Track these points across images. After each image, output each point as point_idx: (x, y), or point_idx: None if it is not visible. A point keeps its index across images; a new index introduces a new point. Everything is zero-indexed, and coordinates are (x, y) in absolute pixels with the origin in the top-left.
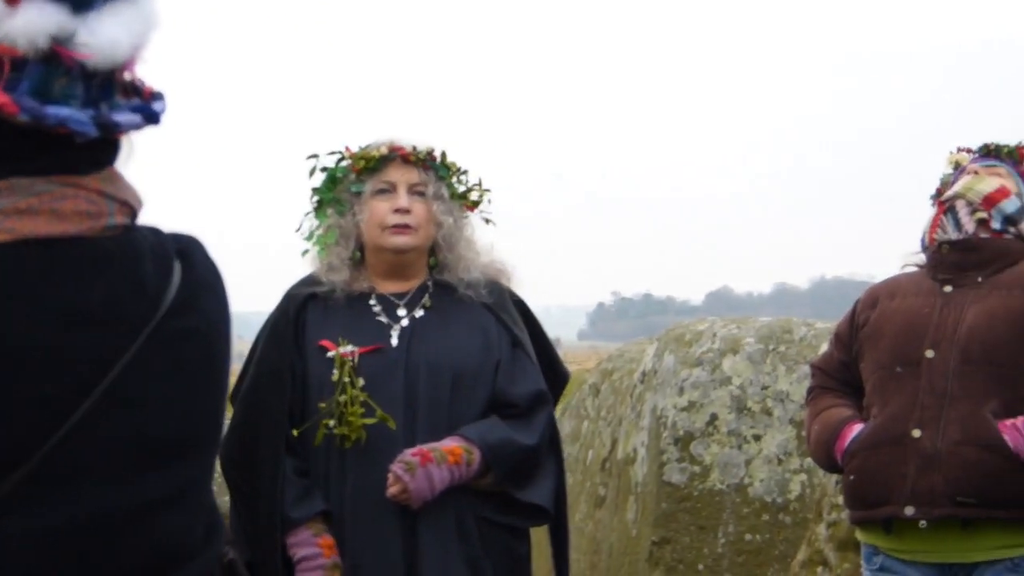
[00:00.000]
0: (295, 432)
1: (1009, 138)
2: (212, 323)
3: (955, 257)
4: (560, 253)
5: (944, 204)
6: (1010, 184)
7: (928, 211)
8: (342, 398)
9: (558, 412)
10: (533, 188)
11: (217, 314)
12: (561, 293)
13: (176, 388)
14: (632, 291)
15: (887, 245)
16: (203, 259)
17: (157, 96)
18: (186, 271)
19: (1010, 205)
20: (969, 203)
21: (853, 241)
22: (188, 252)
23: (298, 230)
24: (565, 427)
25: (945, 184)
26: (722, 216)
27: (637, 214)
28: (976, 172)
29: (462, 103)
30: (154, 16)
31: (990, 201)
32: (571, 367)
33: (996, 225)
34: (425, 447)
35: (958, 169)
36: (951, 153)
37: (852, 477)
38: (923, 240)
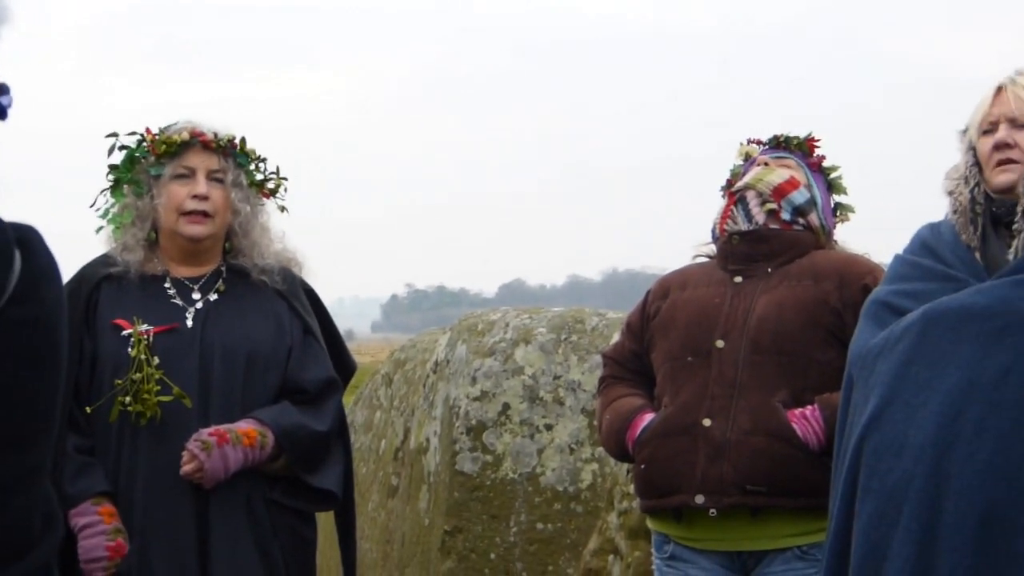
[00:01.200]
0: (88, 409)
1: (799, 128)
2: (52, 312)
3: (745, 248)
4: (353, 244)
5: (734, 195)
6: (799, 176)
7: (719, 202)
8: (137, 376)
9: (351, 402)
10: (324, 178)
11: (56, 303)
12: (354, 284)
13: (15, 377)
14: (426, 283)
15: (679, 238)
16: (42, 248)
17: (3, 89)
18: (26, 260)
19: (799, 196)
20: (759, 194)
21: (645, 234)
22: (27, 241)
23: (92, 206)
24: (358, 417)
25: (735, 175)
26: (516, 209)
27: (430, 206)
28: (766, 163)
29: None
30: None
31: (780, 192)
32: (364, 358)
33: (786, 216)
34: (222, 427)
35: (748, 160)
36: (741, 144)
37: (643, 466)
38: (714, 231)
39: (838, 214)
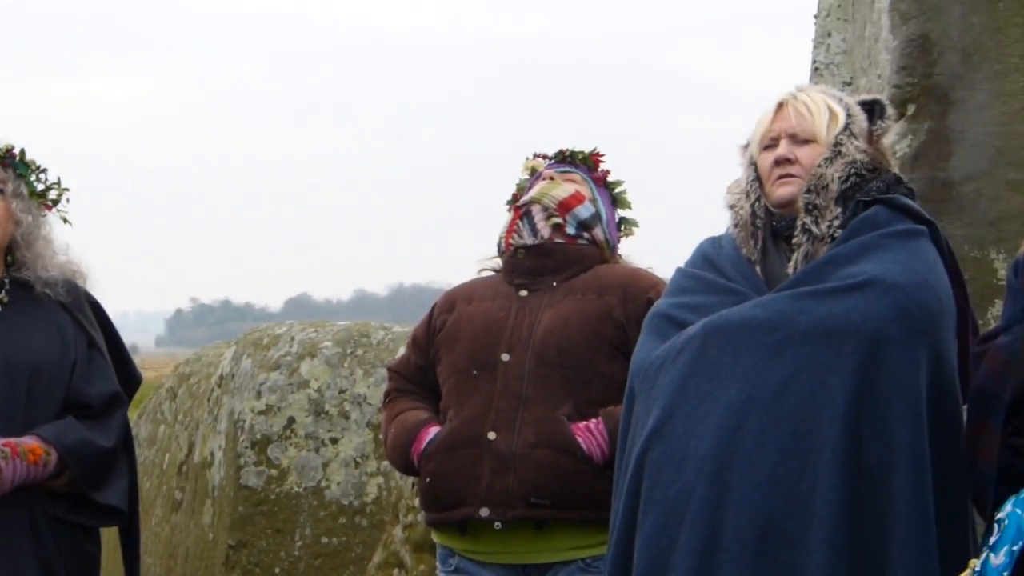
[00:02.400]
0: None
1: (584, 144)
2: None
3: (530, 262)
4: (138, 256)
5: (520, 209)
6: (584, 190)
7: (504, 216)
8: None
9: (134, 416)
10: (111, 189)
11: None
12: (139, 298)
13: None
14: (211, 297)
15: (465, 253)
16: None
17: None
18: None
19: (584, 211)
20: (544, 208)
21: (431, 249)
22: None
23: None
24: (142, 431)
25: (521, 189)
26: (301, 223)
27: (214, 219)
28: (552, 178)
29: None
30: None
31: (565, 207)
32: (149, 373)
33: (571, 230)
34: (12, 440)
35: (534, 175)
36: (527, 159)
37: (428, 479)
38: (499, 244)
39: (622, 228)
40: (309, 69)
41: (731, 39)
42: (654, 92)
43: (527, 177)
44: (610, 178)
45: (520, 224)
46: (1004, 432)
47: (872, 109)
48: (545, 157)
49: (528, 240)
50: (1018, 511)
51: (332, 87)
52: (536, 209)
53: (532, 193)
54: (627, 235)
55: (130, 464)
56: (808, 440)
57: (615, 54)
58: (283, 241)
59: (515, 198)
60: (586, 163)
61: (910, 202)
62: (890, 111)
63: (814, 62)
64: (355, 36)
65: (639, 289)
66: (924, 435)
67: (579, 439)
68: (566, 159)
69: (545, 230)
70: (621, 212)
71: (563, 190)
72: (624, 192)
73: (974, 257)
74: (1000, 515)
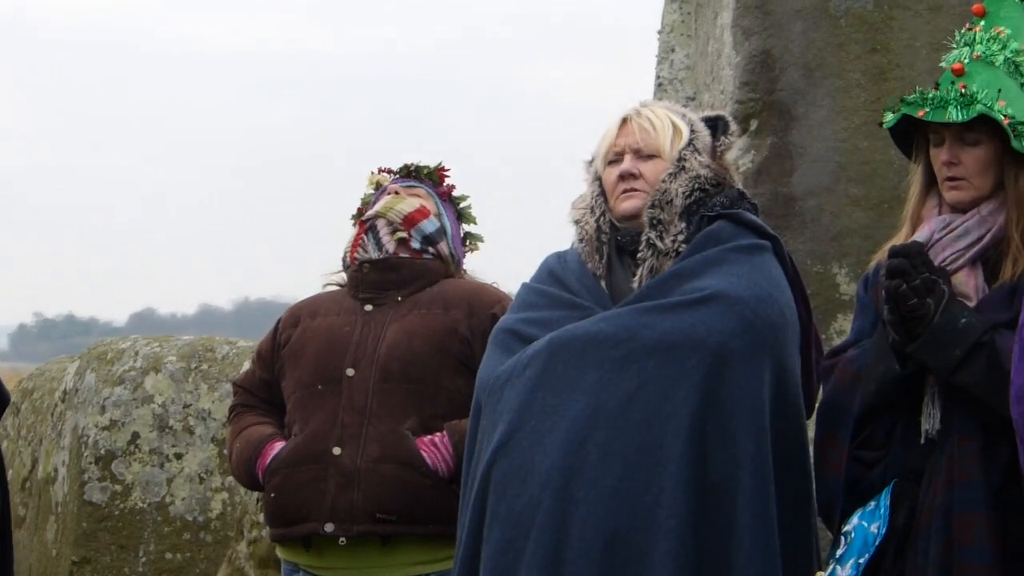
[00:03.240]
0: None
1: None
2: None
3: (376, 276)
4: None
5: (365, 224)
6: (430, 205)
7: (350, 230)
8: None
9: None
10: None
11: None
12: None
13: None
14: (55, 312)
15: (309, 267)
16: None
17: None
18: None
19: (429, 225)
20: (389, 223)
21: (277, 263)
22: None
23: None
24: None
25: (366, 204)
26: (146, 237)
27: (58, 230)
28: (397, 192)
29: None
30: None
31: (410, 221)
32: None
33: (416, 245)
34: None
35: (379, 189)
36: (372, 173)
37: (273, 495)
38: (344, 259)
39: (468, 243)
40: (152, 82)
41: (571, 53)
42: (498, 106)
43: (372, 191)
44: (455, 193)
45: (365, 238)
46: (851, 445)
47: (715, 125)
48: (390, 171)
49: (373, 254)
50: (864, 524)
51: (177, 102)
52: (381, 223)
53: (377, 207)
54: (472, 250)
55: (1, 482)
56: (653, 453)
57: (458, 66)
58: (128, 255)
59: (360, 212)
60: (431, 178)
61: (753, 217)
62: (733, 127)
63: (658, 77)
64: (192, 50)
65: (484, 304)
66: (768, 448)
67: (424, 453)
68: (411, 174)
69: (390, 245)
70: (466, 227)
71: (408, 204)
72: (469, 207)
73: (817, 271)
74: (847, 528)
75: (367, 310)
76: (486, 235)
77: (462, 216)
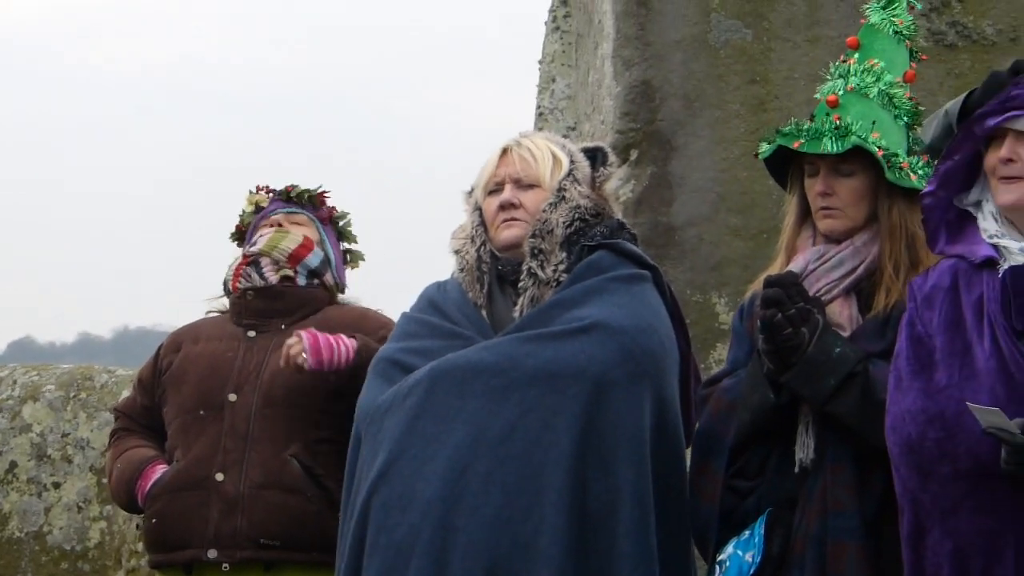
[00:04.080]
0: None
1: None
2: None
3: (260, 304)
4: None
5: (248, 257)
6: (312, 233)
7: (230, 249)
8: None
9: None
10: None
11: None
12: None
13: None
14: None
15: (189, 296)
16: None
17: None
18: None
19: (314, 259)
20: (275, 261)
21: (156, 292)
22: None
23: None
24: None
25: (245, 223)
26: (24, 265)
27: None
28: (280, 224)
29: None
30: None
31: (295, 258)
32: None
33: (302, 281)
34: None
35: (259, 211)
36: (250, 192)
37: (154, 520)
38: (226, 284)
39: (348, 260)
40: (25, 105)
41: (452, 82)
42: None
43: (251, 210)
44: (335, 213)
45: (248, 269)
46: (726, 474)
47: (595, 156)
48: (269, 190)
49: (257, 283)
50: (739, 553)
51: (50, 126)
52: (265, 261)
53: (261, 245)
54: (353, 267)
55: None
56: (534, 482)
57: (332, 87)
58: (6, 283)
59: (239, 230)
60: (312, 203)
61: (633, 247)
62: (612, 158)
63: (539, 107)
64: (71, 72)
65: (368, 330)
66: (648, 477)
67: (323, 345)
68: (292, 199)
69: (274, 278)
70: (346, 244)
71: (292, 240)
72: (349, 224)
73: (696, 301)
74: (722, 556)
75: (250, 336)
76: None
77: (342, 235)
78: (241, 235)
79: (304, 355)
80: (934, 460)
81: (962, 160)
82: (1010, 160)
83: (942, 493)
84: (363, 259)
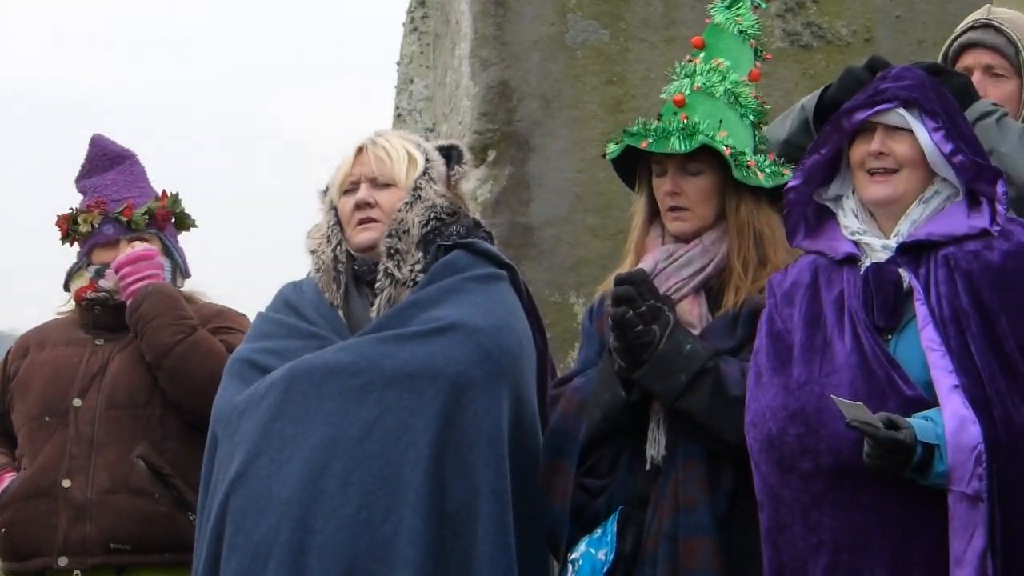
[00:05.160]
0: None
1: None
2: None
3: (108, 319)
4: None
5: (96, 288)
6: (157, 245)
7: (67, 251)
8: None
9: None
10: None
11: None
12: None
13: None
14: None
15: (42, 297)
16: None
17: None
18: None
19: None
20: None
21: (5, 293)
22: None
23: None
24: None
25: (79, 235)
26: None
27: None
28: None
29: None
30: None
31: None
32: None
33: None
34: None
35: (94, 232)
36: (78, 211)
37: (3, 530)
38: (72, 289)
39: (182, 227)
40: None
41: (311, 84)
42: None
43: (86, 229)
44: (168, 201)
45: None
46: (578, 473)
47: (449, 154)
48: (102, 208)
49: (102, 294)
50: (592, 551)
51: None
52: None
53: (110, 285)
54: (184, 230)
55: None
56: (392, 483)
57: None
58: None
59: (66, 233)
60: (151, 220)
61: (489, 246)
62: (467, 156)
63: (397, 108)
64: None
65: (225, 327)
66: (506, 477)
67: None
68: (130, 227)
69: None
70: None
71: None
72: (183, 211)
73: (554, 301)
74: (574, 555)
75: (97, 343)
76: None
77: (180, 223)
78: (71, 238)
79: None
80: (795, 456)
81: (827, 154)
82: (881, 153)
83: (804, 488)
84: (195, 225)
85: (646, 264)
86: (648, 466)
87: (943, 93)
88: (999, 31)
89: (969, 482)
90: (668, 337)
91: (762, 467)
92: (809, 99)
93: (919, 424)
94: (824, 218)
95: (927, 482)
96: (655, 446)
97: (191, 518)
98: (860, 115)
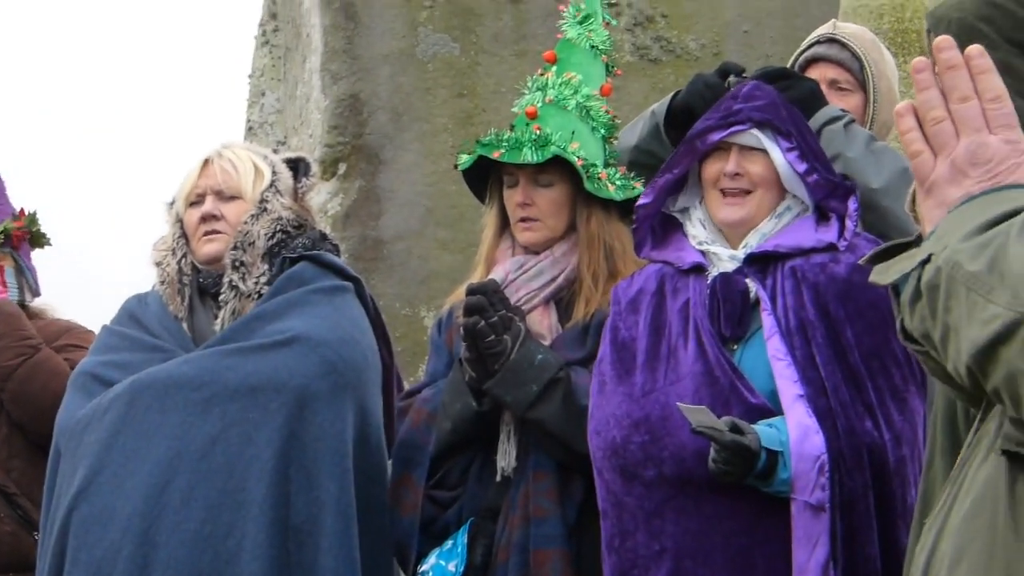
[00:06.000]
0: None
1: None
2: None
3: None
4: None
5: None
6: (7, 264)
7: None
8: None
9: None
10: None
11: None
12: None
13: None
14: None
15: None
16: None
17: None
18: None
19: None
20: None
21: None
22: None
23: None
24: None
25: None
26: None
27: None
28: None
29: None
30: None
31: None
32: None
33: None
34: None
35: None
36: None
37: None
38: None
39: (36, 245)
40: None
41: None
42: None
43: None
44: (24, 220)
45: None
46: (427, 485)
47: (297, 167)
48: None
49: None
50: (442, 563)
51: None
52: None
53: None
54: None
55: None
56: (236, 497)
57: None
58: None
59: None
60: (6, 235)
61: (335, 258)
62: (314, 168)
63: (248, 121)
64: None
65: (73, 343)
66: (351, 490)
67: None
68: None
69: None
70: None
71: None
72: (38, 228)
73: (405, 315)
74: (424, 567)
75: None
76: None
77: (35, 241)
78: None
79: None
80: (639, 463)
81: (679, 173)
82: (737, 174)
83: (647, 496)
84: (50, 243)
85: (497, 275)
86: (498, 477)
87: (794, 111)
88: (844, 46)
89: (812, 491)
90: (519, 347)
91: (605, 475)
92: (659, 105)
93: (764, 430)
94: (671, 228)
95: (771, 489)
96: (505, 457)
97: (36, 536)
98: (714, 136)
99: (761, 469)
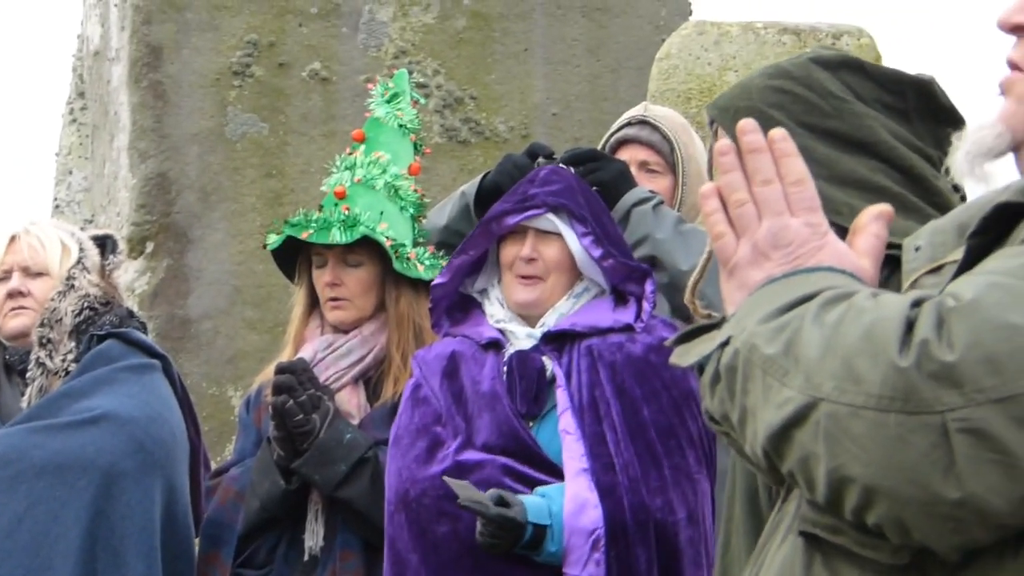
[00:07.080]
0: None
1: None
2: None
3: None
4: None
5: None
6: None
7: None
8: None
9: None
10: None
11: None
12: None
13: None
14: None
15: None
16: None
17: None
18: None
19: None
20: None
21: None
22: None
23: None
24: None
25: None
26: None
27: None
28: None
29: None
30: None
31: None
32: None
33: None
34: None
35: None
36: None
37: None
38: None
39: None
40: None
41: None
42: None
43: None
44: None
45: None
46: (235, 563)
47: (104, 244)
48: None
49: None
50: None
51: None
52: None
53: None
54: None
55: None
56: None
57: None
58: None
59: None
60: None
61: (143, 336)
62: (122, 246)
63: (55, 199)
64: None
65: None
66: (158, 568)
67: None
68: None
69: None
70: None
71: None
72: None
73: (212, 394)
74: None
75: None
76: None
77: None
78: None
79: None
80: (432, 519)
81: (475, 255)
82: (532, 259)
83: (433, 552)
84: None
85: (306, 353)
86: (306, 556)
87: (591, 196)
88: (655, 128)
89: (585, 565)
90: (328, 426)
91: (392, 528)
92: (469, 186)
93: (533, 502)
94: (470, 306)
95: (541, 559)
96: (313, 536)
97: None
98: (510, 220)
99: (528, 541)
